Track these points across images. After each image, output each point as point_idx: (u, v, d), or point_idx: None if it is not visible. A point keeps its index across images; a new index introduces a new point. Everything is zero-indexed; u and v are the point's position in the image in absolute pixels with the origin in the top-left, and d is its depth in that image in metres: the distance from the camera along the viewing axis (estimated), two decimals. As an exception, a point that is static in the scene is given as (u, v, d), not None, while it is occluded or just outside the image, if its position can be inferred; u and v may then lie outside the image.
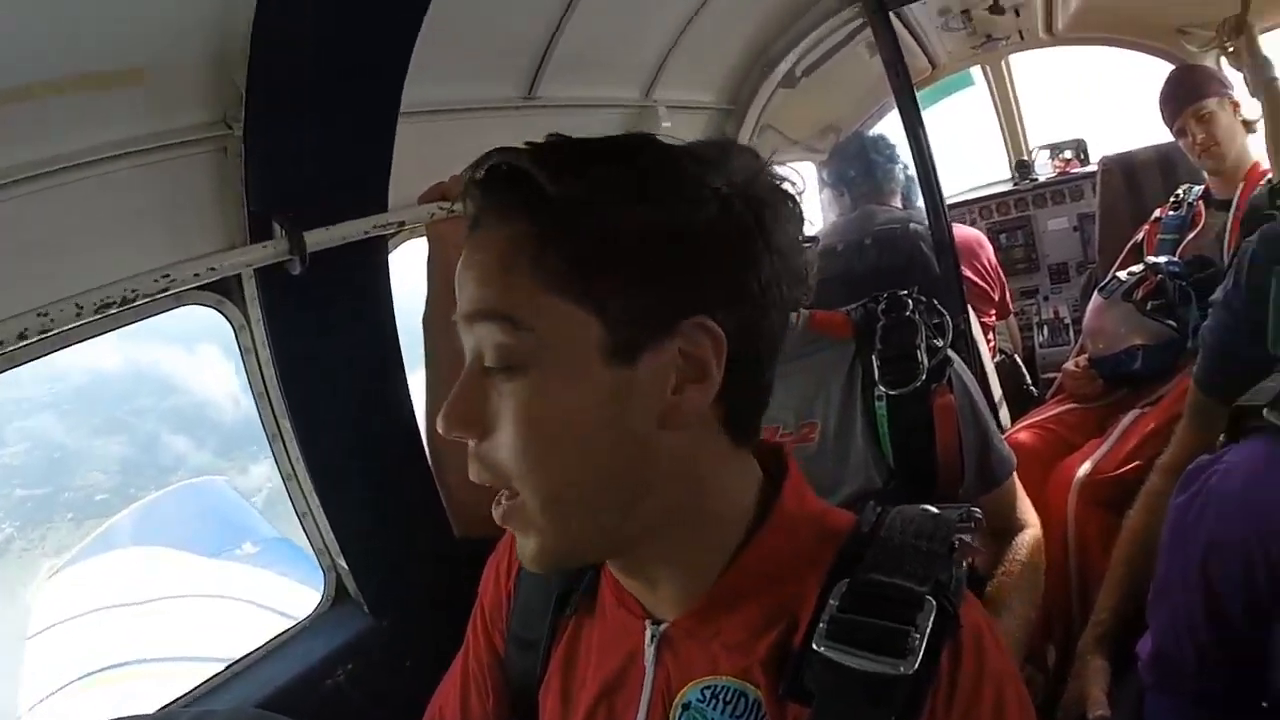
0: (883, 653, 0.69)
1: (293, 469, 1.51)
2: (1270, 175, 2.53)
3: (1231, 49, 2.55)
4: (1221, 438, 1.09)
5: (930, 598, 0.71)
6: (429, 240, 1.53)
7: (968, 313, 2.51)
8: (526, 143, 0.71)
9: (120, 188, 1.28)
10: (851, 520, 0.82)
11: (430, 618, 1.42)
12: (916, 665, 0.68)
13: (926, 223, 2.76)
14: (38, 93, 1.10)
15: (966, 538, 0.80)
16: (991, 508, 1.57)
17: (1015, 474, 1.63)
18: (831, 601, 0.73)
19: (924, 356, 1.46)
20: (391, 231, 1.47)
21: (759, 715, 0.75)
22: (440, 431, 0.73)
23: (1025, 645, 1.45)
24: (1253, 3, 2.54)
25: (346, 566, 1.54)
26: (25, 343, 1.10)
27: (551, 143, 0.72)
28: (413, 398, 1.60)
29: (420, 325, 1.56)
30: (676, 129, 2.56)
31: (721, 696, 0.77)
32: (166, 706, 1.37)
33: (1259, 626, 1.02)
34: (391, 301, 1.56)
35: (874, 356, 1.49)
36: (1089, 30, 4.25)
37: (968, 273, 3.42)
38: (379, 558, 1.56)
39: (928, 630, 0.69)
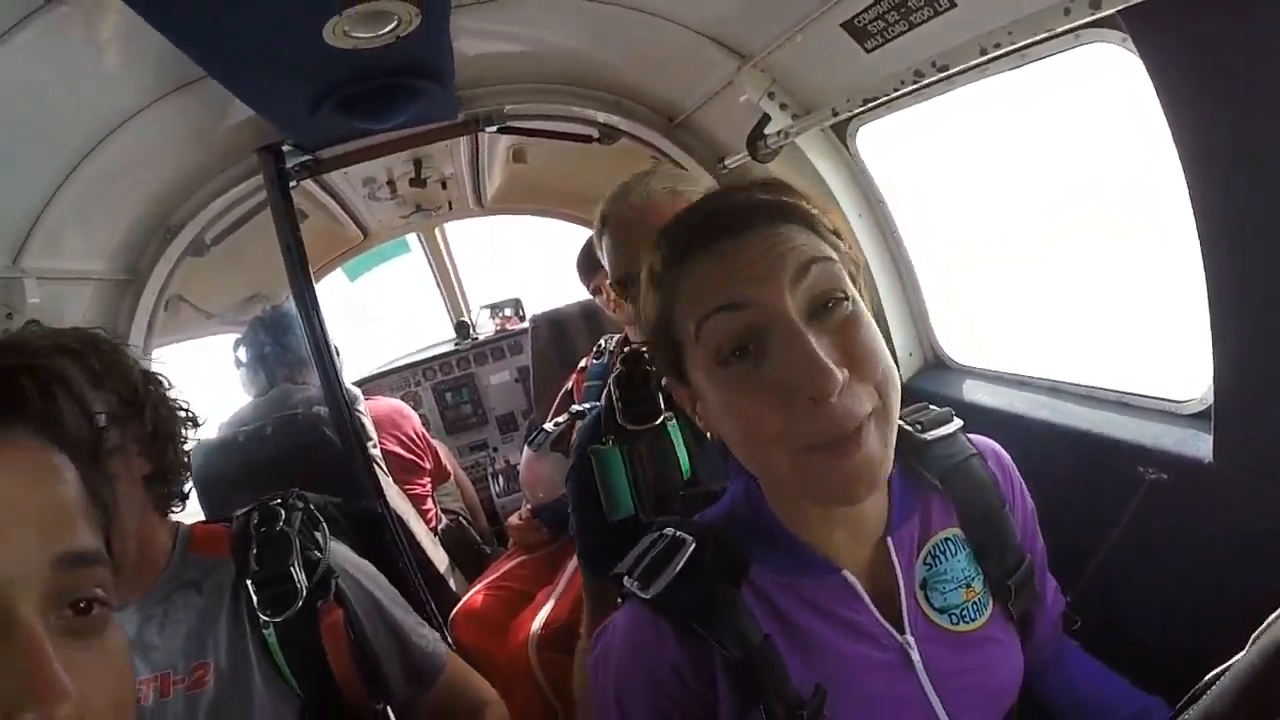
0: None
1: None
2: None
3: None
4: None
5: None
6: None
7: (383, 493, 2.44)
8: None
9: None
10: None
11: None
12: None
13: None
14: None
15: None
16: (437, 705, 1.52)
17: (451, 659, 1.58)
18: None
19: (300, 574, 1.35)
20: None
21: None
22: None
23: None
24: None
25: None
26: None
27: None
28: None
29: None
30: (54, 303, 2.16)
31: None
32: None
33: None
34: None
35: (249, 580, 1.34)
36: (515, 201, 4.64)
37: (391, 445, 3.44)
38: None
39: None
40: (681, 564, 1.03)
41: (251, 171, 2.61)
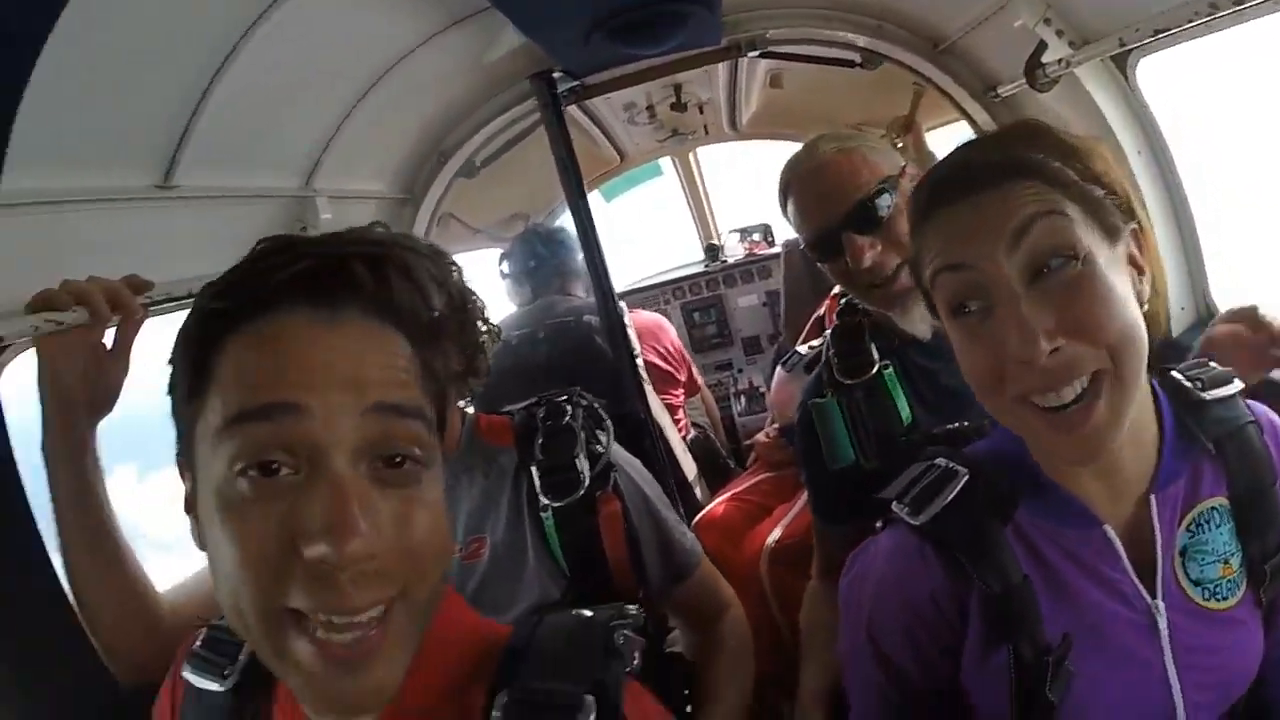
0: None
1: None
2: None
3: (900, 145, 2.82)
4: (879, 523, 1.19)
5: (589, 696, 0.74)
6: (38, 356, 1.28)
7: (646, 400, 2.55)
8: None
9: None
10: (508, 632, 0.84)
11: None
12: None
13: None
14: None
15: (626, 634, 0.82)
16: (686, 599, 1.60)
17: (704, 561, 1.65)
18: (495, 714, 0.74)
19: (584, 465, 1.45)
20: (-14, 348, 1.20)
21: None
22: (358, 551, 0.64)
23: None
24: (920, 104, 2.86)
25: None
26: None
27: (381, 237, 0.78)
28: (43, 534, 1.30)
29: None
30: (343, 220, 2.41)
31: None
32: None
33: (941, 685, 1.09)
34: (4, 427, 1.29)
35: (534, 468, 1.46)
36: (770, 126, 4.59)
37: (650, 357, 3.54)
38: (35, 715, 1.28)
39: None
40: (954, 494, 1.04)
41: (520, 98, 2.79)
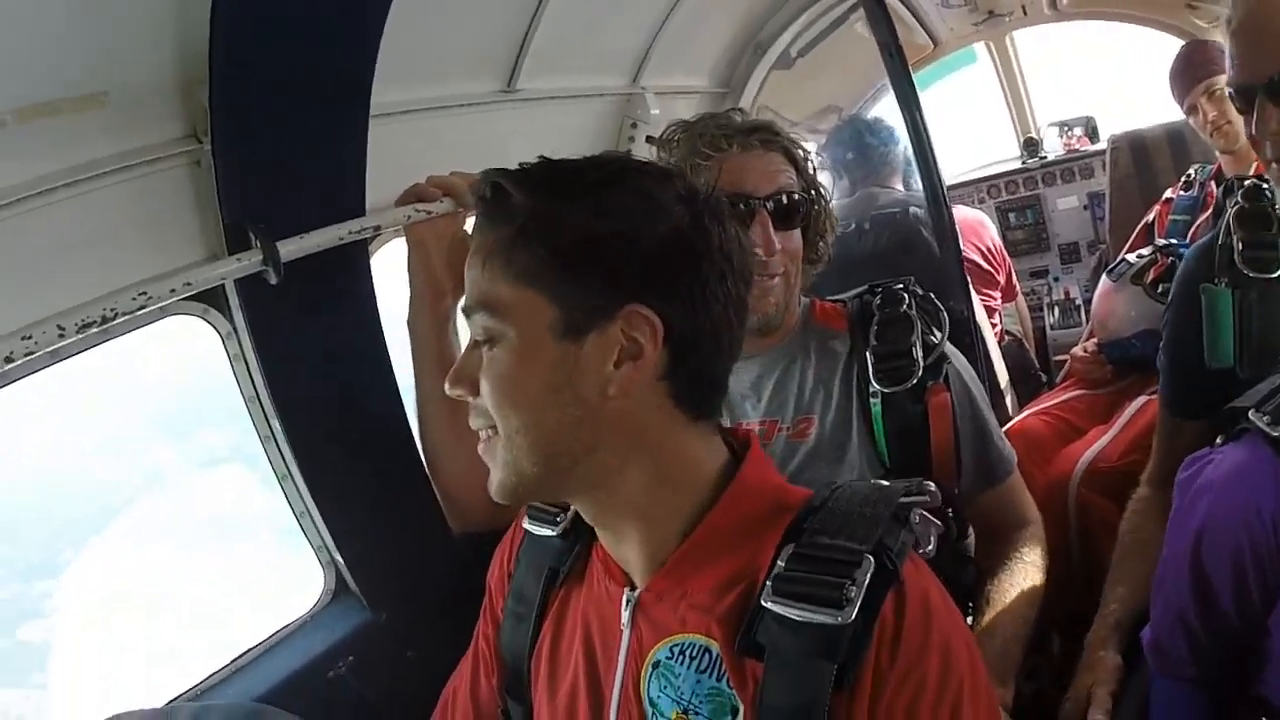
0: (822, 604, 0.76)
1: (287, 469, 1.51)
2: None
3: None
4: (1220, 438, 1.11)
5: (870, 555, 0.77)
6: (408, 243, 1.50)
7: (970, 299, 2.45)
8: (521, 164, 0.88)
9: (98, 208, 1.27)
10: (807, 495, 0.90)
11: (428, 611, 1.49)
12: (854, 615, 0.75)
13: (925, 206, 2.69)
14: (3, 122, 1.10)
15: (923, 514, 0.85)
16: (991, 506, 1.57)
17: (1016, 471, 1.61)
18: (779, 562, 0.81)
19: (919, 354, 1.44)
20: (368, 236, 1.44)
21: (721, 669, 0.83)
22: (446, 391, 0.90)
23: (1026, 643, 1.43)
24: None
25: (344, 562, 1.56)
26: (10, 365, 1.10)
27: (535, 164, 0.88)
28: (403, 399, 1.60)
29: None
30: (668, 115, 2.49)
31: (687, 652, 0.85)
32: (171, 702, 1.38)
33: (1248, 623, 1.03)
34: (375, 304, 1.55)
35: (869, 353, 1.47)
36: (1095, 5, 4.18)
37: (970, 254, 3.36)
38: (376, 554, 1.58)
39: (865, 584, 0.76)
40: None
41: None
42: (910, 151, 2.82)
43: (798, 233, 1.49)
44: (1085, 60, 5.22)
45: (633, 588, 0.91)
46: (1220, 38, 2.82)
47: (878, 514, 0.82)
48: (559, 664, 0.99)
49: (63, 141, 1.20)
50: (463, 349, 0.91)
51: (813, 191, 1.53)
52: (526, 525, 1.08)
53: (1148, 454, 1.74)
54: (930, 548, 0.84)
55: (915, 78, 4.66)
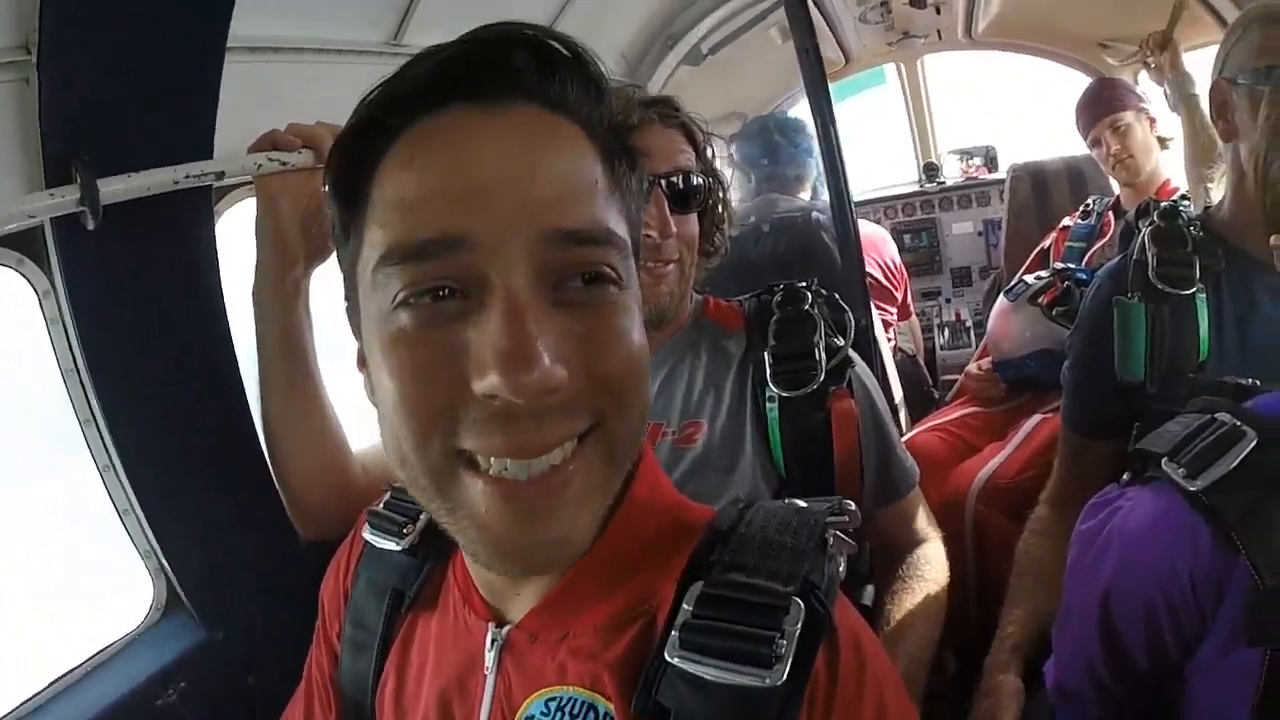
0: (745, 662, 0.60)
1: (109, 459, 1.28)
2: (1180, 192, 2.54)
3: (1154, 64, 2.60)
4: (1126, 475, 1.09)
5: (798, 599, 0.63)
6: (258, 197, 1.29)
7: (870, 311, 2.40)
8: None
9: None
10: (709, 515, 0.75)
11: (272, 629, 1.30)
12: (785, 674, 0.60)
13: (829, 213, 2.62)
14: None
15: (838, 532, 0.70)
16: (892, 521, 1.51)
17: (918, 486, 1.55)
18: (686, 606, 0.64)
19: (822, 356, 1.34)
20: (207, 183, 1.22)
21: None
22: (537, 382, 0.55)
23: (929, 666, 1.36)
24: (1178, 21, 2.57)
25: (174, 572, 1.34)
26: None
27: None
28: (245, 387, 1.38)
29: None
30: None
31: (568, 709, 0.69)
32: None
33: (1162, 671, 0.99)
34: (218, 269, 1.32)
35: (766, 353, 1.36)
36: (1009, 36, 4.27)
37: (871, 269, 3.35)
38: (213, 563, 1.36)
39: (796, 635, 0.61)
40: (1238, 460, 0.88)
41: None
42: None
43: (694, 218, 1.38)
44: (989, 90, 5.40)
45: (499, 624, 0.74)
46: (1127, 76, 2.97)
47: (799, 544, 0.67)
48: (405, 705, 0.81)
49: None
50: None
51: (712, 177, 1.43)
52: (367, 535, 0.90)
53: (1045, 470, 1.74)
54: (842, 569, 0.69)
55: (827, 90, 4.77)
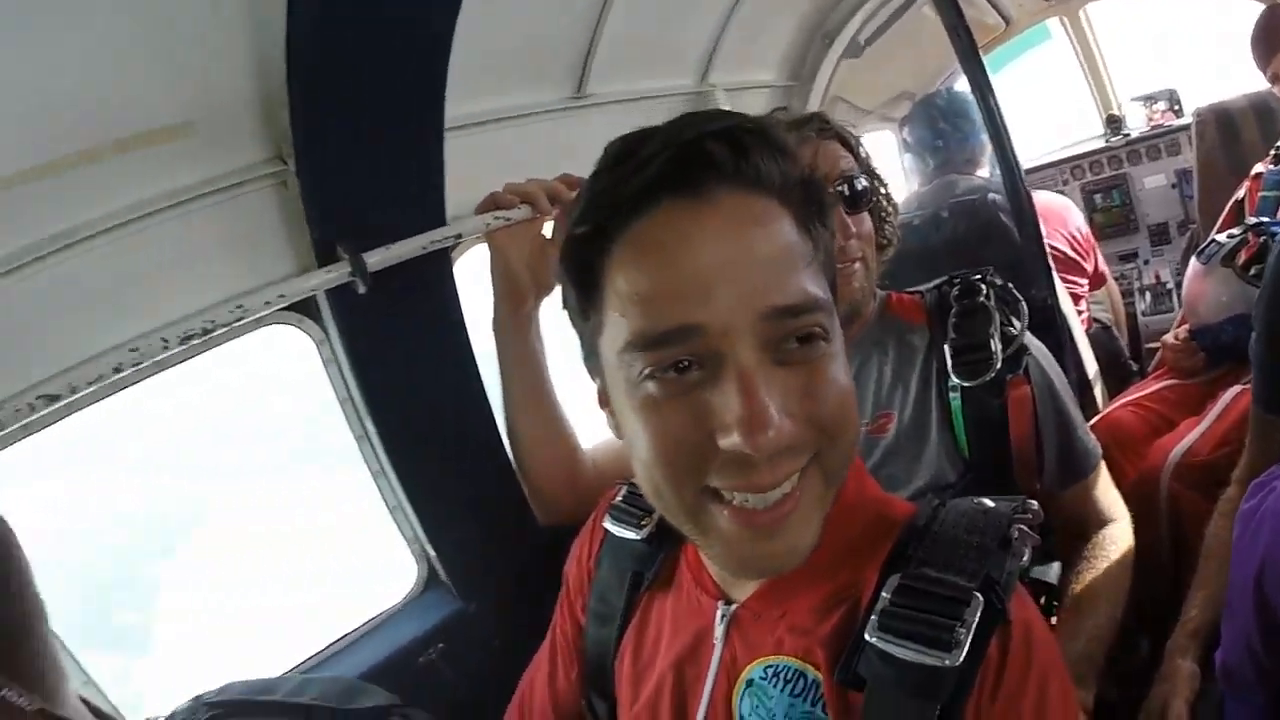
0: (931, 645, 0.73)
1: (380, 466, 1.60)
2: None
3: None
4: None
5: (979, 594, 0.74)
6: (489, 249, 1.54)
7: (1054, 286, 2.37)
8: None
9: (194, 229, 1.36)
10: (909, 511, 0.87)
11: (515, 601, 1.52)
12: (962, 658, 0.72)
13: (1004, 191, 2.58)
14: (102, 154, 1.17)
15: (1022, 529, 0.80)
16: (1075, 501, 1.53)
17: (1102, 465, 1.56)
18: (884, 594, 0.77)
19: (998, 346, 1.41)
20: (449, 244, 1.49)
21: (817, 695, 0.81)
22: (773, 441, 0.69)
23: (1109, 644, 1.39)
24: None
25: (435, 555, 1.64)
26: (119, 375, 1.20)
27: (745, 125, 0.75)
28: (489, 397, 1.66)
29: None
30: (740, 109, 2.50)
31: (782, 675, 0.83)
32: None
33: None
34: (459, 307, 1.61)
35: (946, 346, 1.44)
36: None
37: (1055, 242, 3.24)
38: (466, 547, 1.66)
39: (974, 625, 0.73)
40: None
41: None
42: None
43: (867, 216, 1.50)
44: (1163, 31, 4.97)
45: (727, 601, 0.89)
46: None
47: (985, 544, 0.78)
48: (642, 668, 0.98)
49: (158, 169, 1.28)
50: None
51: (874, 178, 1.54)
52: (608, 525, 1.07)
53: (1241, 446, 1.67)
54: (1026, 561, 0.81)
55: (988, 59, 4.55)
